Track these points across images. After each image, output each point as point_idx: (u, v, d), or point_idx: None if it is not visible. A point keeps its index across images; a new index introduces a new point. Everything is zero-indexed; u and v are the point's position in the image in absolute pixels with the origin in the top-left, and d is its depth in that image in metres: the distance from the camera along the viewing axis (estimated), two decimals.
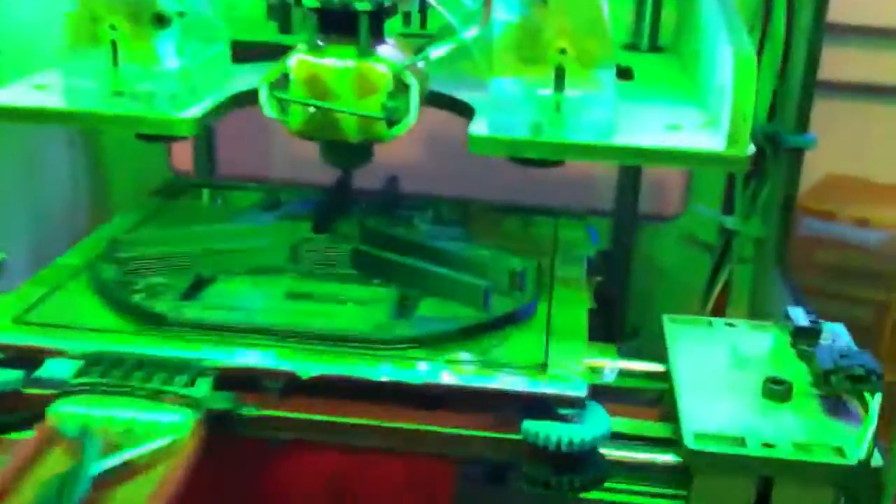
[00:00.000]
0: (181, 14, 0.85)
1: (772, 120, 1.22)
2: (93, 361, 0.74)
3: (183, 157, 1.41)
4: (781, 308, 1.19)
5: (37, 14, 0.98)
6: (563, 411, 0.74)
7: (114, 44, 0.84)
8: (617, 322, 1.30)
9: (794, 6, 1.21)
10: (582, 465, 0.74)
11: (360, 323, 0.82)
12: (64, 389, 0.72)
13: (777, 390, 0.79)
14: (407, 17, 0.86)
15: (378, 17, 0.87)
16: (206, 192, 1.12)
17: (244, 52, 1.01)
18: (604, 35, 0.82)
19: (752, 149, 0.81)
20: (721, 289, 1.32)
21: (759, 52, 1.19)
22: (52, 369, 0.74)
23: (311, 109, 0.86)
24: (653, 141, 0.83)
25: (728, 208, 1.31)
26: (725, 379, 0.82)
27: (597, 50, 0.82)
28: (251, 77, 0.94)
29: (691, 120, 0.90)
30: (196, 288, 0.87)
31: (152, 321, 0.81)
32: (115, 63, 0.85)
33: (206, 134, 1.36)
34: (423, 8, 0.88)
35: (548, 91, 0.82)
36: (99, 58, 0.86)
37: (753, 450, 0.72)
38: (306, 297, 0.86)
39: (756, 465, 0.72)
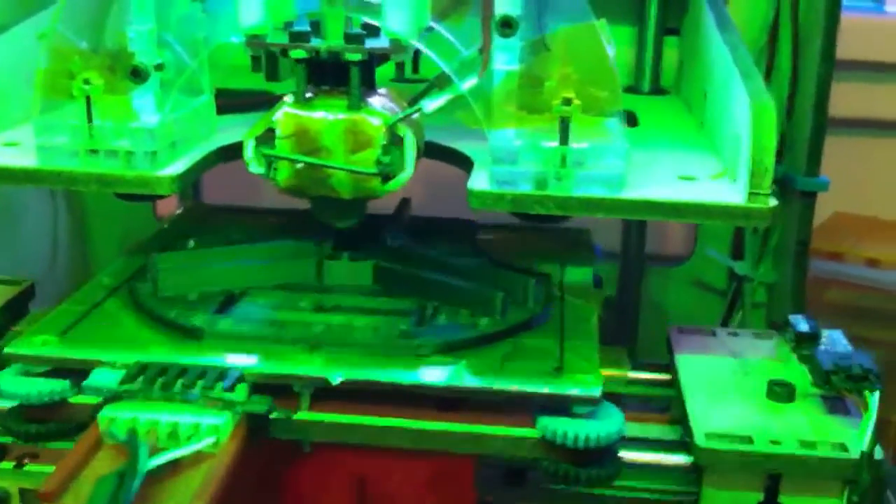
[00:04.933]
0: (159, 66, 0.80)
1: (780, 161, 1.17)
2: (137, 371, 0.76)
3: (167, 201, 1.36)
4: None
5: (8, 68, 0.94)
6: (578, 410, 0.75)
7: (88, 99, 0.79)
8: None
9: (801, 42, 1.16)
10: (599, 460, 0.76)
11: (385, 332, 0.84)
12: (111, 396, 0.74)
13: (780, 392, 0.81)
14: (400, 66, 0.81)
15: (369, 67, 0.82)
16: (226, 216, 1.14)
17: (229, 101, 0.96)
18: (611, 81, 0.78)
19: (773, 201, 0.76)
20: None
21: None
22: (98, 378, 0.77)
23: (300, 165, 0.81)
24: (666, 193, 0.78)
25: (737, 251, 1.26)
26: (731, 383, 0.85)
27: (604, 98, 0.78)
28: (236, 129, 0.90)
29: (704, 169, 0.85)
30: (228, 303, 0.89)
31: (190, 334, 0.83)
32: (90, 119, 0.80)
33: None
34: (416, 55, 0.83)
35: (552, 143, 0.77)
36: (73, 113, 0.81)
37: (761, 447, 0.75)
38: (333, 309, 0.89)
39: (764, 461, 0.75)
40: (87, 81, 0.79)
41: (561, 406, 0.76)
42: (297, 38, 0.79)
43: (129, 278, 0.95)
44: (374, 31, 0.81)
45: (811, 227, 1.18)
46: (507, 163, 0.78)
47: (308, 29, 0.80)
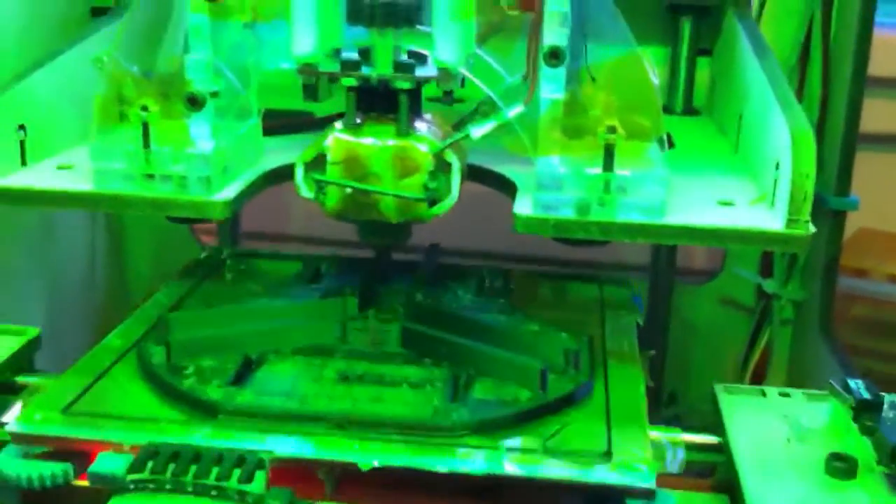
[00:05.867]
0: (214, 94, 0.82)
1: None
2: (147, 455, 0.72)
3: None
4: (824, 372, 1.17)
5: (60, 92, 0.96)
6: (631, 502, 0.72)
7: (145, 126, 0.81)
8: (655, 387, 1.27)
9: (832, 61, 1.18)
10: None
11: (416, 408, 0.80)
12: (118, 486, 0.70)
13: (841, 468, 0.76)
14: (448, 94, 0.82)
15: (417, 94, 0.84)
16: (243, 264, 1.10)
17: (272, 123, 0.98)
18: (655, 110, 0.80)
19: (812, 228, 0.78)
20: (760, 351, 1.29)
21: None
22: (104, 464, 0.72)
23: (349, 190, 0.83)
24: (706, 219, 0.80)
25: (766, 269, 1.28)
26: (786, 454, 0.79)
27: (647, 125, 0.79)
28: (282, 152, 0.92)
29: (741, 194, 0.86)
30: (245, 370, 0.85)
31: (205, 409, 0.79)
32: (147, 145, 0.82)
33: None
34: (461, 80, 0.84)
35: (596, 169, 0.79)
36: (128, 138, 0.83)
37: None
38: (358, 379, 0.85)
39: None
40: (144, 108, 0.81)
41: (612, 497, 0.72)
42: (349, 66, 0.81)
43: (140, 338, 0.90)
44: (420, 59, 0.83)
45: (840, 245, 1.20)
46: (551, 189, 0.80)
47: (357, 57, 0.82)
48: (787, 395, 0.90)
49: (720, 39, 1.15)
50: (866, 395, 0.82)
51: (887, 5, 1.21)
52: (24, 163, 0.91)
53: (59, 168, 0.90)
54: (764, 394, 0.90)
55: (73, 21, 1.18)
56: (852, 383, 0.84)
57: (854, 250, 1.52)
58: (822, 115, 1.19)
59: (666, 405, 1.28)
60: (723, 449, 0.82)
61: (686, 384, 1.31)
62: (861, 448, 0.79)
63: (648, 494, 0.71)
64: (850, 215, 1.19)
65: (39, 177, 0.89)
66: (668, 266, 1.26)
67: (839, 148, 1.16)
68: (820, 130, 1.19)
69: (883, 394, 0.83)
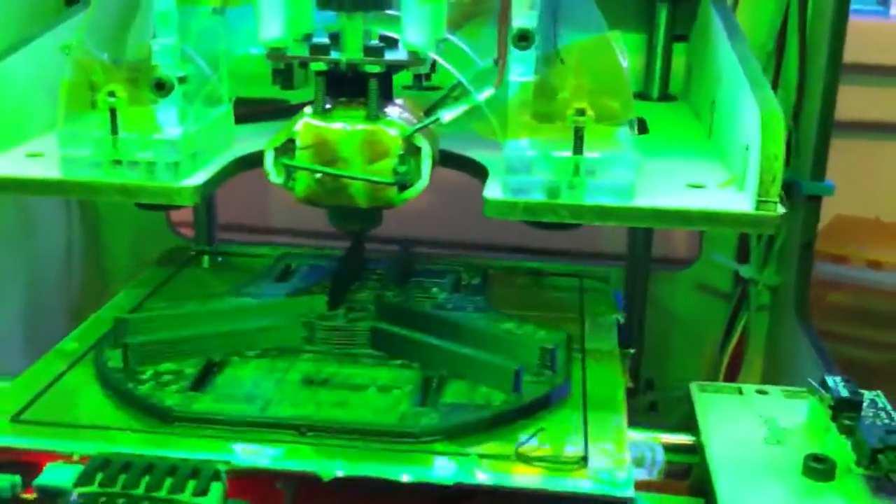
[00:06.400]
0: (182, 79, 0.82)
1: (786, 165, 1.18)
2: (96, 466, 0.68)
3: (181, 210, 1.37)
4: (800, 357, 1.17)
5: (31, 79, 0.95)
6: None
7: (113, 112, 0.81)
8: (632, 373, 1.27)
9: (808, 48, 1.18)
10: None
11: (384, 413, 0.77)
12: (65, 501, 0.67)
13: (819, 469, 0.75)
14: (417, 77, 0.82)
15: (387, 78, 0.84)
16: (209, 259, 1.08)
17: (245, 111, 0.98)
18: (625, 92, 0.79)
19: (781, 209, 0.78)
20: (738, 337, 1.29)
21: None
22: (51, 476, 0.69)
23: (319, 175, 0.82)
24: (676, 202, 0.80)
25: (743, 255, 1.28)
26: (762, 455, 0.78)
27: (616, 108, 0.79)
28: (253, 139, 0.92)
29: (712, 177, 0.86)
30: (206, 374, 0.83)
31: (161, 416, 0.76)
32: (115, 131, 0.81)
33: None
34: (432, 65, 0.84)
35: (565, 153, 0.79)
36: (96, 125, 0.82)
37: None
38: (324, 383, 0.82)
39: None
40: (112, 94, 0.81)
41: None
42: (318, 50, 0.80)
43: (97, 341, 0.87)
44: (391, 43, 0.83)
45: (816, 230, 1.20)
46: (520, 172, 0.79)
47: (327, 41, 0.82)
48: (764, 392, 0.88)
49: (696, 25, 1.15)
50: (845, 394, 0.79)
51: None
52: None
53: (29, 156, 0.90)
54: (741, 392, 0.88)
55: (47, 9, 1.17)
56: (830, 381, 0.82)
57: (832, 237, 1.53)
58: (798, 101, 1.19)
59: (643, 392, 1.28)
60: (697, 449, 0.81)
61: (663, 371, 1.31)
62: (840, 449, 0.77)
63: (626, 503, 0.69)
64: (827, 203, 1.19)
65: (8, 164, 0.88)
66: (644, 253, 1.26)
67: (815, 133, 1.16)
68: (796, 116, 1.19)
69: (862, 391, 0.81)
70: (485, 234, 1.23)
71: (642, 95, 1.19)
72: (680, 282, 1.34)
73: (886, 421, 0.77)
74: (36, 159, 0.89)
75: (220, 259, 1.07)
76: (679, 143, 1.00)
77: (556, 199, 0.79)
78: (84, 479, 0.67)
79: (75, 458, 0.71)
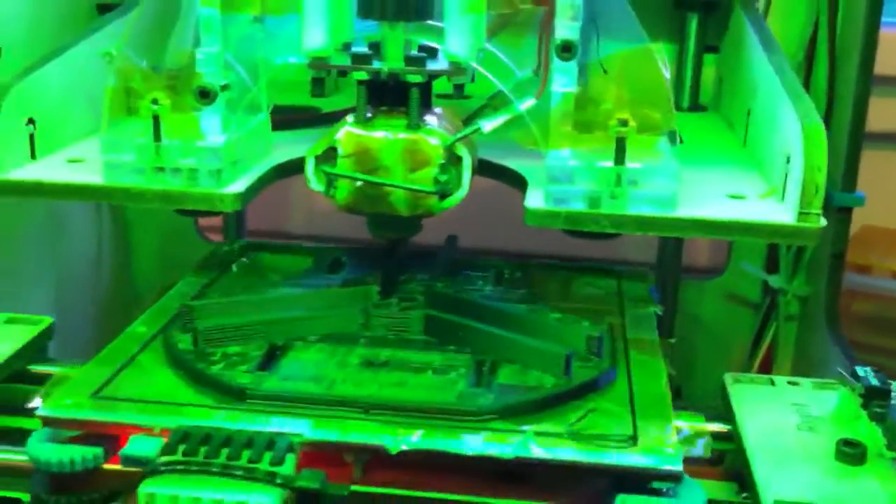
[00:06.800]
0: (225, 87, 0.82)
1: None
2: (178, 438, 0.72)
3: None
4: (829, 367, 1.17)
5: (68, 86, 0.96)
6: (657, 485, 0.72)
7: (156, 119, 0.82)
8: None
9: (838, 59, 1.18)
10: None
11: (441, 392, 0.80)
12: (151, 468, 0.70)
13: (851, 454, 0.77)
14: (458, 86, 0.82)
15: (428, 87, 0.84)
16: (259, 257, 1.10)
17: (280, 118, 0.98)
18: (666, 103, 0.80)
19: (824, 221, 0.78)
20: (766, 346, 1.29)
21: None
22: (136, 447, 0.72)
23: (360, 183, 0.83)
24: (718, 212, 0.80)
25: (772, 264, 1.28)
26: (796, 442, 0.80)
27: (658, 119, 0.80)
28: (289, 146, 0.93)
29: (751, 187, 0.87)
30: (271, 357, 0.85)
31: (235, 394, 0.79)
32: (158, 138, 0.82)
33: None
34: (472, 76, 0.85)
35: (607, 163, 0.79)
36: (138, 131, 0.83)
37: None
38: (383, 365, 0.84)
39: None
40: (155, 101, 0.81)
41: (638, 480, 0.72)
42: (359, 60, 0.81)
43: (164, 326, 0.91)
44: (431, 52, 0.83)
45: (846, 241, 1.20)
46: (562, 182, 0.80)
47: (368, 50, 0.82)
48: (795, 383, 0.90)
49: (727, 36, 1.15)
50: (875, 382, 0.82)
51: (893, 5, 1.21)
52: (33, 156, 0.91)
53: (70, 161, 0.91)
54: (773, 383, 0.90)
55: (79, 17, 1.18)
56: (860, 371, 0.84)
57: (858, 247, 1.52)
58: (828, 112, 1.19)
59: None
60: (732, 437, 0.83)
61: (692, 380, 1.31)
62: (870, 435, 0.79)
63: (676, 477, 0.72)
64: (854, 213, 1.20)
65: (49, 170, 0.89)
66: (674, 262, 1.27)
67: (845, 145, 1.16)
68: (826, 127, 1.19)
69: (891, 381, 0.83)
70: (514, 243, 1.23)
71: None
72: (708, 291, 1.34)
73: None
74: (77, 165, 0.90)
75: (262, 257, 1.09)
76: (714, 153, 1.00)
77: (598, 209, 0.80)
78: (168, 450, 0.70)
79: (156, 430, 0.74)
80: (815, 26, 1.20)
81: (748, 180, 0.89)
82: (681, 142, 1.01)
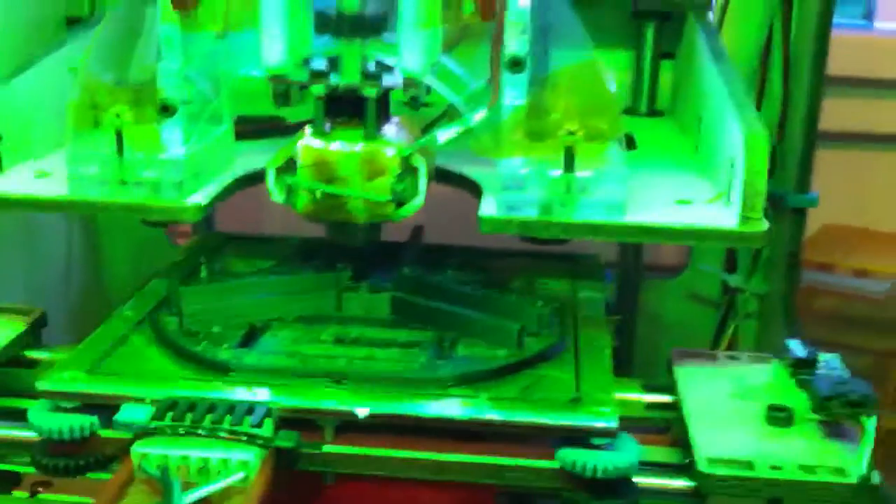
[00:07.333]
0: (186, 101, 0.84)
1: (771, 177, 1.21)
2: (167, 406, 0.78)
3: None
4: None
5: (36, 100, 0.98)
6: (596, 441, 0.78)
7: (118, 133, 0.84)
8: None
9: (792, 63, 1.21)
10: (616, 490, 0.78)
11: (406, 364, 0.86)
12: (142, 432, 0.76)
13: (779, 417, 0.83)
14: (413, 99, 0.85)
15: (384, 100, 0.87)
16: (241, 245, 1.16)
17: (244, 128, 1.00)
18: (613, 112, 0.83)
19: (766, 224, 0.81)
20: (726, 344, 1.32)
21: (758, 109, 1.19)
22: (129, 414, 0.78)
23: (319, 193, 0.85)
24: (664, 218, 0.83)
25: (731, 264, 1.31)
26: (731, 408, 0.86)
27: (605, 127, 0.82)
28: (254, 156, 0.95)
29: (700, 193, 0.90)
30: (251, 337, 0.91)
31: (217, 368, 0.85)
32: (121, 152, 0.84)
33: None
34: (427, 88, 0.87)
35: (558, 171, 0.82)
36: (102, 144, 0.85)
37: (762, 472, 0.76)
38: (353, 341, 0.91)
39: (765, 486, 0.76)
40: (118, 115, 0.84)
41: (579, 437, 0.78)
42: (317, 75, 0.84)
43: (150, 310, 0.96)
44: (388, 67, 0.85)
45: (801, 240, 1.23)
46: (514, 189, 0.83)
47: (326, 66, 0.84)
48: (735, 358, 0.97)
49: (682, 44, 1.18)
50: (802, 354, 0.89)
51: (844, 6, 1.24)
52: (0, 169, 0.93)
53: (38, 175, 0.92)
54: (715, 357, 0.97)
55: (48, 30, 1.20)
56: (791, 343, 0.91)
57: (820, 245, 1.56)
58: (783, 114, 1.22)
59: None
60: (676, 407, 0.88)
61: (653, 377, 1.34)
62: (798, 401, 0.85)
63: (612, 434, 0.78)
64: (815, 211, 1.23)
65: (16, 183, 0.91)
66: (634, 262, 1.29)
67: (799, 146, 1.19)
68: (781, 129, 1.22)
69: (819, 353, 0.90)
70: (480, 240, 1.26)
71: (630, 111, 1.22)
72: (669, 290, 1.37)
73: (838, 375, 0.86)
74: (45, 178, 0.92)
75: (238, 248, 1.16)
76: (667, 158, 1.03)
77: (549, 216, 0.82)
78: (158, 415, 0.77)
79: (147, 401, 0.79)
80: (770, 29, 1.23)
81: (698, 186, 0.92)
82: (635, 147, 1.05)
